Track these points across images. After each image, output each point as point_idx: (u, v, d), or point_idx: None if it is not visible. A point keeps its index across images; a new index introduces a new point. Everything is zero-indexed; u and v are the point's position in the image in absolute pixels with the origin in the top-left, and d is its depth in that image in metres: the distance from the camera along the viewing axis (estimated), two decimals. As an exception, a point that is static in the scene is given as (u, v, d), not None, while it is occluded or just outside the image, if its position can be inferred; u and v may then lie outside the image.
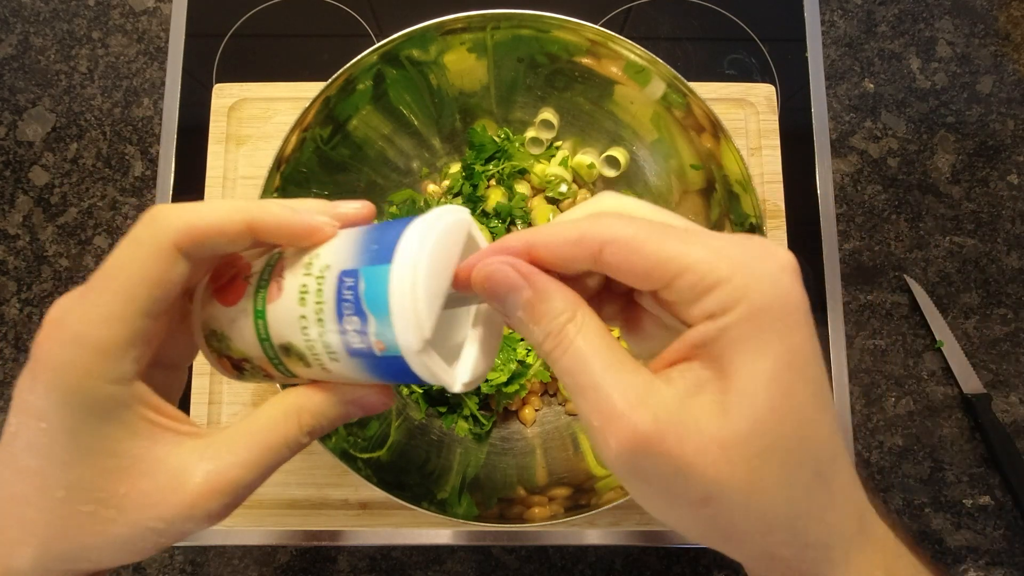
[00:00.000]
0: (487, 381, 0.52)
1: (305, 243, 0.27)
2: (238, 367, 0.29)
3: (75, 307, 0.24)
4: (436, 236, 0.24)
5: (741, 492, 0.21)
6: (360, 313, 0.24)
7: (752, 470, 0.21)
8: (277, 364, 0.27)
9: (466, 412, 0.55)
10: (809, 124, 0.67)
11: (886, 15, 0.72)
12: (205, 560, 0.60)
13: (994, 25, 0.72)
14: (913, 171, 0.69)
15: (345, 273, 0.25)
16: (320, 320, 0.25)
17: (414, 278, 0.23)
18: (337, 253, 0.26)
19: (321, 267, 0.26)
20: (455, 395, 0.55)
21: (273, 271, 0.27)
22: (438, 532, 0.57)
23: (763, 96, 0.65)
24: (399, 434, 0.54)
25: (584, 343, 0.22)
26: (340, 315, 0.24)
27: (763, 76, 0.68)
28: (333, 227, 0.27)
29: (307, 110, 0.48)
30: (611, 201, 0.26)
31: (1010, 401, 0.64)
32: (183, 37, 0.68)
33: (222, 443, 0.25)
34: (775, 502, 0.21)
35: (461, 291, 0.26)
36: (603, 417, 0.21)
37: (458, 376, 0.26)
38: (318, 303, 0.25)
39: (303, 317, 0.25)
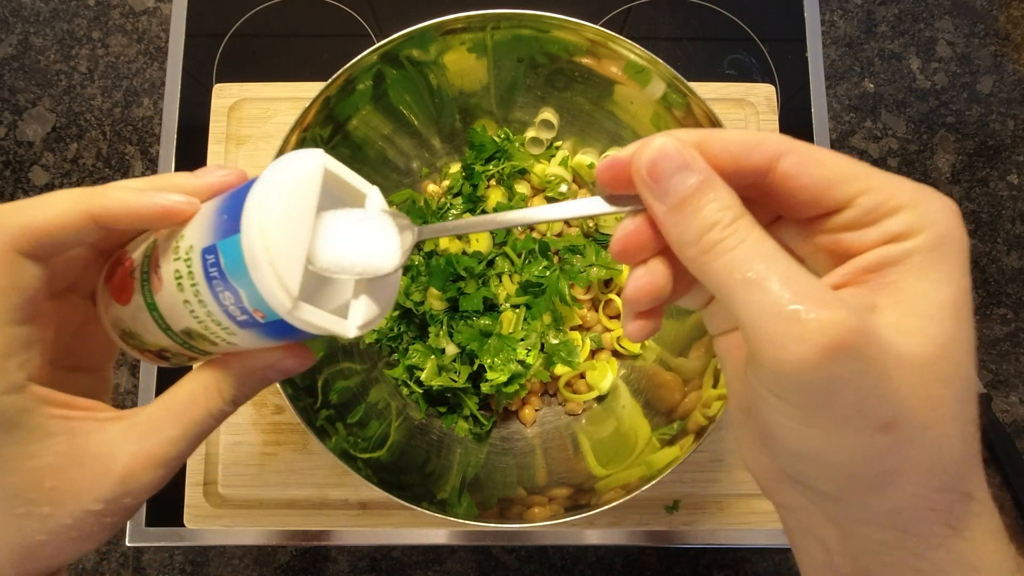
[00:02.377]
0: (487, 381, 0.52)
1: (164, 225, 0.26)
2: (161, 356, 0.29)
3: None
4: (279, 192, 0.24)
5: (922, 421, 0.20)
6: (230, 288, 0.24)
7: (934, 398, 0.20)
8: (190, 347, 0.27)
9: (466, 412, 0.55)
10: (809, 124, 0.67)
11: (886, 15, 0.72)
12: (205, 560, 0.60)
13: (994, 25, 0.72)
14: (913, 171, 0.69)
15: (206, 251, 0.24)
16: (201, 302, 0.25)
17: (264, 242, 0.23)
18: (197, 231, 0.25)
19: (186, 249, 0.25)
20: (455, 395, 0.55)
21: (151, 262, 0.26)
22: (438, 532, 0.57)
23: (763, 96, 0.65)
24: (399, 434, 0.54)
25: (759, 238, 0.21)
26: (215, 294, 0.24)
27: (763, 76, 0.68)
28: (191, 203, 0.26)
29: (307, 110, 0.48)
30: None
31: (1010, 401, 0.64)
32: (183, 37, 0.68)
33: (145, 421, 0.26)
34: (951, 439, 0.20)
35: (608, 187, 0.24)
36: (791, 314, 0.19)
37: (350, 322, 0.26)
38: (193, 286, 0.25)
39: (186, 302, 0.25)
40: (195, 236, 0.25)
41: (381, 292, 0.27)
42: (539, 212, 0.26)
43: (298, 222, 0.24)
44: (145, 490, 0.26)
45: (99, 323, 0.29)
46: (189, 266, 0.25)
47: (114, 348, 0.31)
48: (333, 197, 0.27)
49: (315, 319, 0.24)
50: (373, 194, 0.28)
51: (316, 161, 0.25)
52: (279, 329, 0.25)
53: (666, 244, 0.23)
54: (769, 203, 0.24)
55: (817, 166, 0.22)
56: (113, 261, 0.29)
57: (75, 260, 0.28)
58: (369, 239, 0.26)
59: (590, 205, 0.25)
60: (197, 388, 0.27)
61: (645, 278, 0.24)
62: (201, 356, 0.28)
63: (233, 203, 0.24)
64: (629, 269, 0.25)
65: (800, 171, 0.22)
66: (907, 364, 0.20)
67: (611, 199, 0.24)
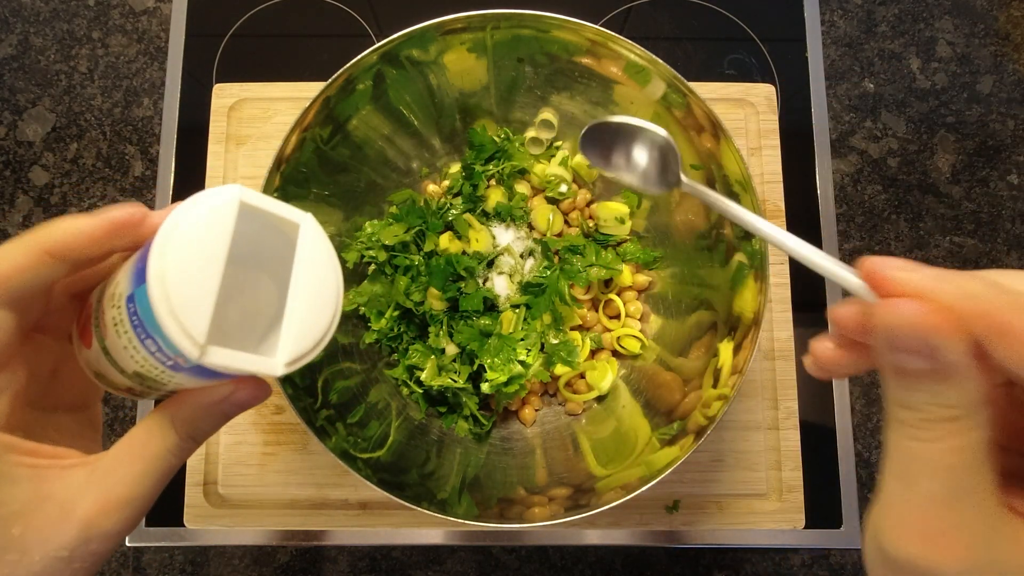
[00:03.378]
0: (487, 381, 0.52)
1: (119, 244, 0.26)
2: (132, 393, 0.29)
3: None
4: (181, 237, 0.23)
5: None
6: (150, 336, 0.24)
7: None
8: (147, 387, 0.27)
9: (466, 412, 0.55)
10: (809, 124, 0.67)
11: (886, 15, 0.72)
12: (205, 560, 0.60)
13: (994, 25, 0.72)
14: (913, 171, 0.69)
15: (128, 299, 0.24)
16: (136, 348, 0.25)
17: (163, 292, 0.22)
18: (124, 278, 0.25)
19: (118, 296, 0.25)
20: (455, 395, 0.55)
21: (101, 307, 0.27)
22: (438, 532, 0.57)
23: (763, 96, 0.65)
24: (399, 434, 0.54)
25: (951, 450, 0.19)
26: (141, 341, 0.24)
27: (763, 76, 0.68)
28: (138, 213, 0.26)
29: (307, 110, 0.48)
30: None
31: (1010, 401, 0.64)
32: (183, 37, 0.68)
33: (106, 465, 0.26)
34: None
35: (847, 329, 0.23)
36: (906, 536, 0.19)
37: (278, 360, 0.25)
38: (126, 333, 0.25)
39: (125, 348, 0.25)
40: (123, 283, 0.25)
41: (314, 321, 0.26)
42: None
43: (204, 265, 0.23)
44: (109, 536, 0.26)
45: (77, 364, 0.30)
46: (120, 314, 0.25)
47: (98, 387, 0.32)
48: (260, 230, 0.26)
49: (230, 362, 0.24)
50: (306, 223, 0.27)
51: (227, 198, 0.25)
52: (208, 371, 0.24)
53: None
54: None
55: None
56: (84, 305, 0.29)
57: (41, 302, 0.28)
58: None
59: (850, 281, 0.23)
60: (153, 426, 0.27)
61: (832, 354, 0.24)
62: (166, 393, 0.28)
63: (145, 250, 0.24)
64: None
65: None
66: None
67: (865, 291, 0.23)
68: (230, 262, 0.24)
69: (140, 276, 0.23)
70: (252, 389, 0.28)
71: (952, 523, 0.19)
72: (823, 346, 0.24)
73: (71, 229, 0.26)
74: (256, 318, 0.27)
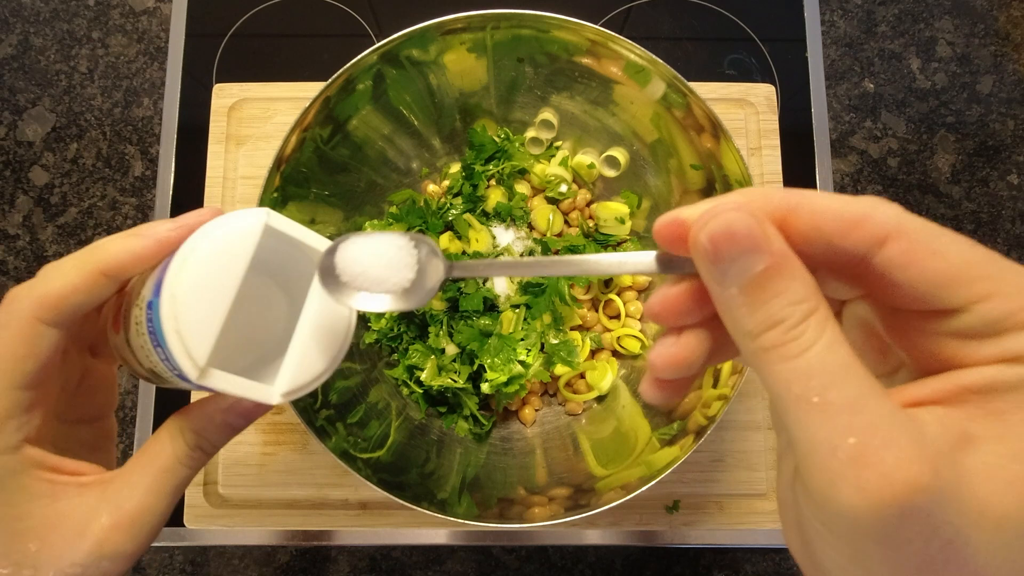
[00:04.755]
0: (487, 381, 0.52)
1: (161, 259, 0.27)
2: (152, 380, 0.29)
3: None
4: (199, 257, 0.24)
5: None
6: (159, 344, 0.24)
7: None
8: (165, 380, 0.28)
9: (466, 412, 0.55)
10: (809, 124, 0.67)
11: (886, 15, 0.72)
12: (205, 560, 0.60)
13: (994, 25, 0.72)
14: (913, 171, 0.69)
15: (148, 304, 0.25)
16: (150, 350, 0.25)
17: (172, 310, 0.23)
18: (151, 282, 0.25)
19: (143, 298, 0.25)
20: (455, 395, 0.55)
21: (130, 301, 0.27)
22: (438, 532, 0.57)
23: (763, 96, 0.65)
24: (399, 434, 0.54)
25: (828, 346, 0.17)
26: (154, 347, 0.25)
27: (763, 76, 0.68)
28: (179, 228, 0.26)
29: (307, 110, 0.48)
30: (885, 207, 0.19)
31: (1010, 401, 0.64)
32: (183, 37, 0.68)
33: (119, 480, 0.27)
34: None
35: (665, 245, 0.21)
36: (852, 453, 0.16)
37: (275, 387, 0.25)
38: (143, 335, 0.25)
39: (142, 347, 0.26)
40: (149, 287, 0.25)
41: (318, 354, 0.26)
42: (584, 262, 0.23)
43: (217, 287, 0.24)
44: (121, 555, 0.26)
45: (97, 374, 0.31)
46: (141, 315, 0.25)
47: (114, 398, 0.32)
48: (288, 250, 0.26)
49: (228, 387, 0.24)
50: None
51: (252, 222, 0.25)
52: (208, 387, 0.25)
53: (713, 313, 0.20)
54: (863, 286, 0.20)
55: (932, 257, 0.18)
56: (122, 292, 0.29)
57: (92, 320, 0.29)
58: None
59: (641, 262, 0.22)
60: (164, 436, 0.28)
61: (673, 349, 0.21)
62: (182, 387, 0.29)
63: (167, 260, 0.25)
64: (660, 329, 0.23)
65: (910, 261, 0.18)
66: (994, 526, 0.16)
67: (667, 261, 0.21)
68: (250, 279, 0.25)
69: (159, 287, 0.24)
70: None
71: (892, 432, 0.16)
72: (666, 288, 0.21)
73: (125, 249, 0.26)
74: (266, 339, 0.28)
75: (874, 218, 0.18)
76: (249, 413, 0.28)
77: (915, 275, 0.18)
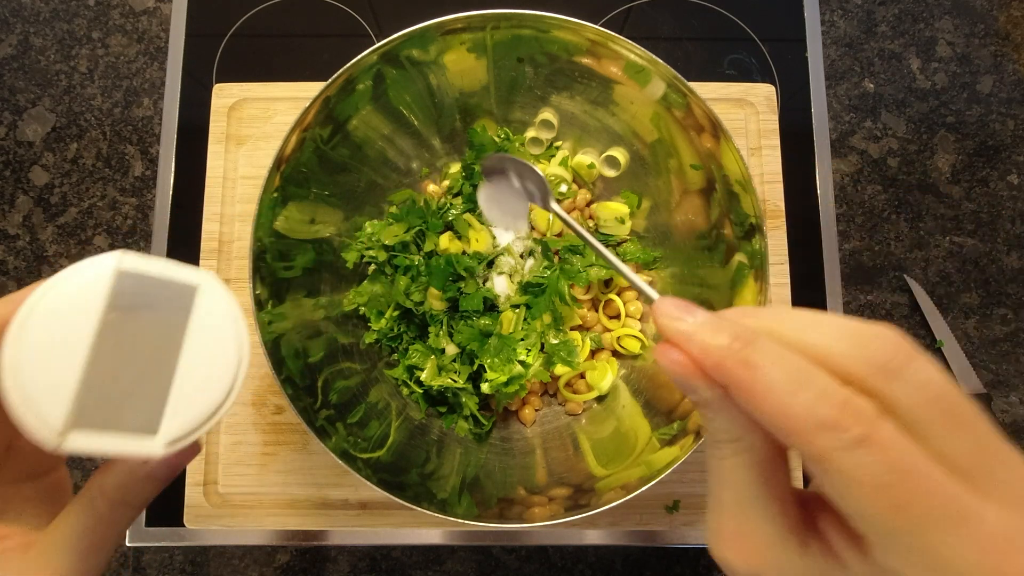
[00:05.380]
0: (487, 381, 0.52)
1: None
2: None
3: None
4: (38, 320, 0.22)
5: None
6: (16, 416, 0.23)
7: None
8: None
9: (466, 412, 0.55)
10: (809, 124, 0.67)
11: (886, 15, 0.72)
12: (205, 560, 0.60)
13: (994, 25, 0.72)
14: (913, 171, 0.69)
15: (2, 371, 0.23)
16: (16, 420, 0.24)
17: (14, 381, 0.22)
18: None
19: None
20: (455, 395, 0.55)
21: None
22: (438, 532, 0.57)
23: (763, 96, 0.65)
24: (399, 434, 0.54)
25: (733, 467, 0.23)
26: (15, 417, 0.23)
27: (763, 76, 0.68)
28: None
29: (307, 110, 0.48)
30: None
31: (1010, 401, 0.64)
32: (183, 37, 0.68)
33: (41, 544, 0.26)
34: None
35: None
36: (716, 539, 0.23)
37: (159, 436, 0.24)
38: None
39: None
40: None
41: (204, 396, 0.25)
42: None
43: (67, 344, 0.22)
44: None
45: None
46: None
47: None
48: (156, 293, 0.25)
49: (97, 447, 0.23)
50: (206, 286, 0.26)
51: (98, 271, 0.23)
52: None
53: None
54: None
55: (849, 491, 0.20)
56: None
57: None
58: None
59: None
60: (84, 499, 0.27)
61: (675, 357, 0.24)
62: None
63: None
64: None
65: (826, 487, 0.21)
66: None
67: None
68: (114, 326, 0.23)
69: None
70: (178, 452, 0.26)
71: (744, 529, 0.22)
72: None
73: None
74: (144, 390, 0.25)
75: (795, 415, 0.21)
76: (170, 463, 0.27)
77: (851, 506, 0.20)
